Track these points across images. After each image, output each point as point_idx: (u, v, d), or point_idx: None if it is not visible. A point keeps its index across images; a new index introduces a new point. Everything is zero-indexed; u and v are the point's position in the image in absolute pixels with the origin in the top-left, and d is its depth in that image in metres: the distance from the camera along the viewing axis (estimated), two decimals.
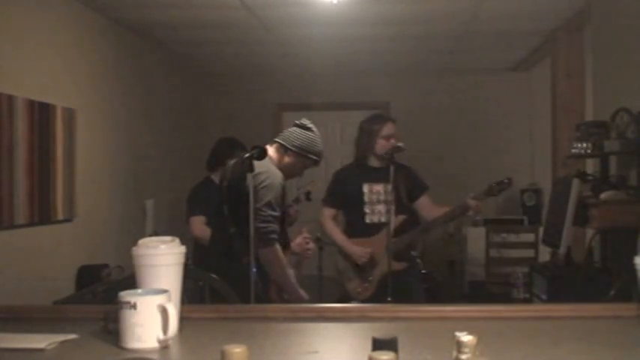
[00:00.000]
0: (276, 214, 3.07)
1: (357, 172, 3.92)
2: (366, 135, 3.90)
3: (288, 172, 3.20)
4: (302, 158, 3.22)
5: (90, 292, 2.59)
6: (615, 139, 3.80)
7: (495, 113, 7.48)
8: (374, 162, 3.89)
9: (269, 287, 3.13)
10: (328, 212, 4.02)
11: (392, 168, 3.53)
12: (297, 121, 3.32)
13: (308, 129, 3.26)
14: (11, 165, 3.79)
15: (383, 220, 3.78)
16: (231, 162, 3.28)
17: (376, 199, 3.83)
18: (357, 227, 3.90)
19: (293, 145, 3.19)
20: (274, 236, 3.05)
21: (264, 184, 3.03)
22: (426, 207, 3.92)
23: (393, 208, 3.68)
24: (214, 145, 4.71)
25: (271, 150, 3.17)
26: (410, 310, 1.76)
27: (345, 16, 4.97)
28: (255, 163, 3.11)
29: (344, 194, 3.95)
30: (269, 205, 3.01)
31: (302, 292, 3.25)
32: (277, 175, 3.08)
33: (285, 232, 3.36)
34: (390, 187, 3.69)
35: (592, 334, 1.56)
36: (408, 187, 3.87)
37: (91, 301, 2.38)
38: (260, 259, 3.05)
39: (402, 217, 3.77)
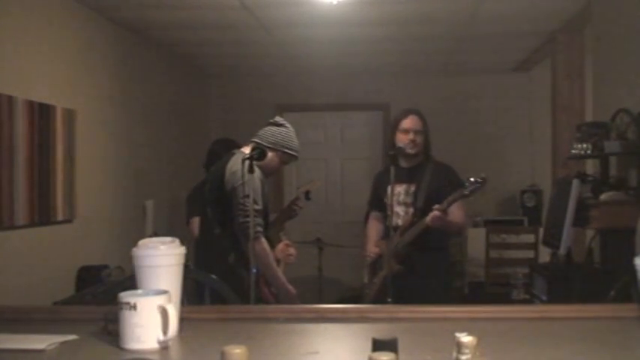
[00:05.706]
0: (259, 207, 3.11)
1: (388, 172, 3.53)
2: (390, 129, 3.78)
3: (266, 168, 3.28)
4: (279, 154, 3.33)
5: (90, 292, 2.59)
6: (615, 140, 3.80)
7: (495, 113, 7.46)
8: (402, 161, 3.70)
9: (257, 281, 3.14)
10: (371, 213, 3.93)
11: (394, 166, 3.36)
12: (270, 120, 3.44)
13: (281, 125, 3.38)
14: (11, 166, 3.79)
15: (400, 223, 3.62)
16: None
17: (396, 201, 3.63)
18: (384, 229, 3.75)
19: (269, 142, 3.30)
20: (259, 229, 3.11)
21: (242, 180, 3.08)
22: (452, 212, 3.48)
23: (411, 210, 3.58)
24: (210, 146, 4.76)
25: (248, 149, 3.28)
26: (410, 311, 1.77)
27: (345, 16, 4.97)
28: (231, 162, 3.20)
29: (377, 195, 3.85)
30: (250, 197, 3.02)
31: (290, 287, 3.28)
32: (255, 172, 3.10)
33: (268, 228, 3.40)
34: (412, 188, 3.61)
35: (592, 334, 1.56)
36: (439, 191, 3.55)
37: (90, 302, 2.38)
38: (247, 254, 3.09)
39: (408, 221, 3.58)
